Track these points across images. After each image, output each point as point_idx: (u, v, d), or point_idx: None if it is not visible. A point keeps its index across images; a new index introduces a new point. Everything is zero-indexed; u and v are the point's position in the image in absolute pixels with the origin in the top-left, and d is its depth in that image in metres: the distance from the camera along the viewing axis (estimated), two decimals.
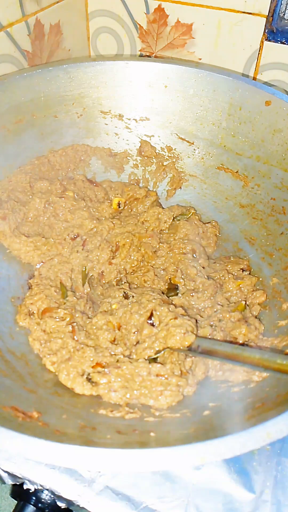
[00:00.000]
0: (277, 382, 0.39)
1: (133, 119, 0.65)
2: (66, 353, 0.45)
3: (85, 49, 0.79)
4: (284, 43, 0.65)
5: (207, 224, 0.61)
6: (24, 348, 0.46)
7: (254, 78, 0.71)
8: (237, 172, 0.61)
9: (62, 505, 0.40)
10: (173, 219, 0.61)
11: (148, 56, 0.76)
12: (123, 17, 0.73)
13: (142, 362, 0.43)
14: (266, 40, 0.66)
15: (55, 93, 0.60)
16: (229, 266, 0.56)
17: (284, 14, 0.65)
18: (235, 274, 0.56)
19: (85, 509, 0.39)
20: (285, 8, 0.65)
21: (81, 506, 0.39)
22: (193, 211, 0.63)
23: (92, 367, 0.43)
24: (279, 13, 0.65)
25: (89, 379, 0.42)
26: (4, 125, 0.56)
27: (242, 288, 0.54)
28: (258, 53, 0.68)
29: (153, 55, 0.75)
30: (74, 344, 0.45)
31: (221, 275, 0.55)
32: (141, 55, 0.76)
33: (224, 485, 0.39)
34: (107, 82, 0.62)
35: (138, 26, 0.73)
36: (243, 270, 0.56)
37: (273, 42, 0.66)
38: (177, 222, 0.61)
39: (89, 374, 0.43)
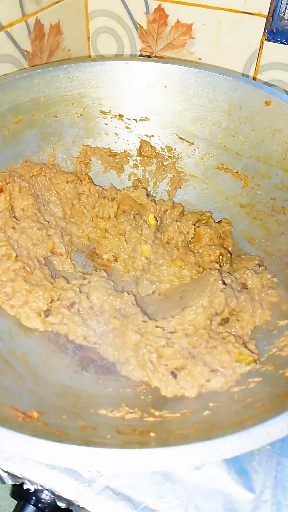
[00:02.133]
0: (277, 382, 0.39)
1: (133, 119, 0.65)
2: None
3: (85, 49, 0.79)
4: (284, 43, 0.65)
5: (222, 223, 0.61)
6: (24, 348, 0.46)
7: (254, 78, 0.71)
8: (237, 172, 0.61)
9: (62, 505, 0.40)
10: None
11: (148, 56, 0.76)
12: (123, 17, 0.73)
13: None
14: (266, 40, 0.66)
15: (55, 93, 0.60)
16: (244, 263, 0.56)
17: (284, 14, 0.65)
18: (254, 269, 0.55)
19: (85, 509, 0.39)
20: (285, 8, 0.65)
21: (81, 506, 0.39)
22: (208, 214, 0.62)
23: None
24: (279, 13, 0.65)
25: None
26: (4, 125, 0.56)
27: (264, 282, 0.52)
28: (258, 53, 0.68)
29: (153, 55, 0.75)
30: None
31: (242, 272, 0.54)
32: (141, 55, 0.76)
33: (224, 485, 0.39)
34: (107, 82, 0.62)
35: (138, 26, 0.73)
36: (259, 266, 0.55)
37: (273, 42, 0.66)
38: (198, 229, 0.60)
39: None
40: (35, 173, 0.58)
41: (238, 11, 0.65)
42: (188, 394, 0.42)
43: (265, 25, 0.65)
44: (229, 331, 0.48)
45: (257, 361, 0.44)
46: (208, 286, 0.49)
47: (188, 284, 0.55)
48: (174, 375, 0.43)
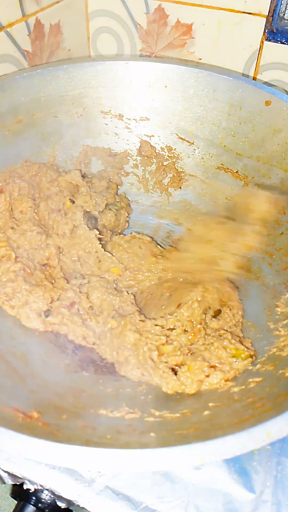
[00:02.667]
0: (277, 382, 0.39)
1: (133, 119, 0.65)
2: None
3: (85, 49, 0.79)
4: (284, 43, 0.65)
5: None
6: (24, 348, 0.46)
7: (254, 78, 0.71)
8: (237, 172, 0.61)
9: (62, 505, 0.40)
10: None
11: (148, 56, 0.76)
12: (123, 17, 0.73)
13: None
14: (266, 40, 0.66)
15: (55, 93, 0.60)
16: None
17: (284, 14, 0.65)
18: None
19: (85, 509, 0.39)
20: (285, 8, 0.65)
21: (81, 506, 0.39)
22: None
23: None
24: (279, 13, 0.65)
25: None
26: (4, 125, 0.56)
27: None
28: (258, 53, 0.68)
29: (153, 55, 0.75)
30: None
31: None
32: (141, 55, 0.76)
33: (224, 485, 0.39)
34: (107, 82, 0.62)
35: (138, 26, 0.73)
36: None
37: (273, 42, 0.66)
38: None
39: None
40: (34, 173, 0.58)
41: (238, 11, 0.65)
42: (188, 390, 0.43)
43: (265, 25, 0.65)
44: (225, 328, 0.49)
45: (254, 356, 0.45)
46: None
47: (171, 280, 0.55)
48: (174, 371, 0.44)
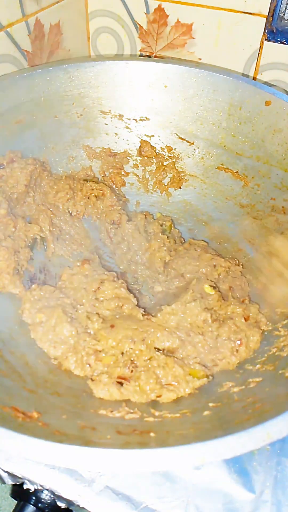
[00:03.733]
0: (277, 382, 0.39)
1: (133, 119, 0.65)
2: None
3: (85, 49, 0.79)
4: (284, 43, 0.65)
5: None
6: (24, 348, 0.46)
7: (254, 78, 0.71)
8: (237, 172, 0.61)
9: (62, 505, 0.40)
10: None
11: (148, 56, 0.76)
12: (123, 17, 0.73)
13: None
14: (266, 40, 0.66)
15: (55, 93, 0.60)
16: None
17: (284, 14, 0.65)
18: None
19: (85, 509, 0.39)
20: (285, 8, 0.65)
21: (81, 506, 0.39)
22: (169, 223, 0.64)
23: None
24: (279, 13, 0.65)
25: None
26: (4, 125, 0.56)
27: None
28: (258, 53, 0.68)
29: (153, 55, 0.75)
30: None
31: None
32: (141, 55, 0.76)
33: (224, 485, 0.39)
34: (107, 82, 0.62)
35: (138, 26, 0.73)
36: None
37: (273, 42, 0.66)
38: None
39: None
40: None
41: (238, 11, 0.65)
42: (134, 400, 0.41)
43: (265, 25, 0.65)
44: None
45: (210, 376, 0.44)
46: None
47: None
48: (120, 383, 0.42)
